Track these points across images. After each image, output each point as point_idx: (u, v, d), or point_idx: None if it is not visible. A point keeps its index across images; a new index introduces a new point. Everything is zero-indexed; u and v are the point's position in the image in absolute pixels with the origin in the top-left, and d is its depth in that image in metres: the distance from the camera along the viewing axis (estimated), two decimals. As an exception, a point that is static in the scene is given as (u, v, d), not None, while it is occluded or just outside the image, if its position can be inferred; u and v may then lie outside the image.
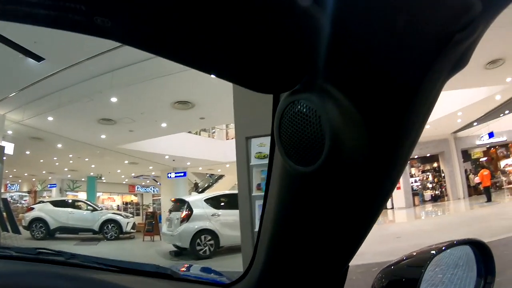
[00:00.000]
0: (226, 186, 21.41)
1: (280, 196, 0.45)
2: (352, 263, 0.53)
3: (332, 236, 0.45)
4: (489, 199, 15.73)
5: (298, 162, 0.34)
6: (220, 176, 24.35)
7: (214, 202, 9.84)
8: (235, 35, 0.29)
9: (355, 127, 0.31)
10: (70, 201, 15.81)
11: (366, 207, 0.41)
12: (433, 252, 0.83)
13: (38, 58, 6.91)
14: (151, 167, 20.53)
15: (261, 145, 3.83)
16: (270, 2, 0.27)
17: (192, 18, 0.28)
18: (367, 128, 0.32)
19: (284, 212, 0.46)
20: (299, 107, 0.33)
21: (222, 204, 9.96)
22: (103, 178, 23.23)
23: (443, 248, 0.87)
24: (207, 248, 9.20)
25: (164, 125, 12.01)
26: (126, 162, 18.40)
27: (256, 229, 3.94)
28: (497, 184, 20.32)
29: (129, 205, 28.21)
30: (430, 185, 21.22)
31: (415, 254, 0.86)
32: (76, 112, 9.86)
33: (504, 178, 19.89)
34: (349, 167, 0.33)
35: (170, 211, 10.50)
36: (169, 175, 19.47)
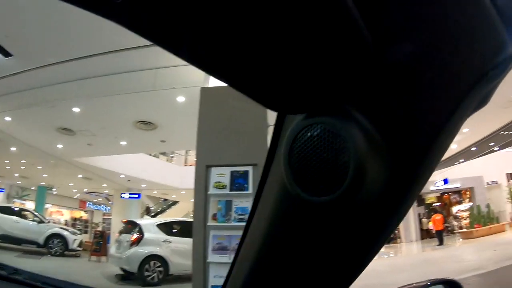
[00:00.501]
0: (180, 213, 21.07)
1: (274, 225, 0.41)
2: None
3: (329, 270, 0.42)
4: (441, 243, 16.40)
5: (310, 191, 0.31)
6: (174, 202, 24.00)
7: (166, 228, 9.62)
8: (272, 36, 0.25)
9: (379, 158, 0.30)
10: (16, 209, 14.71)
11: (373, 240, 0.38)
12: None
13: (6, 54, 6.59)
14: (105, 185, 19.81)
15: (221, 174, 3.79)
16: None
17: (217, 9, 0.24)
18: (390, 160, 0.31)
19: (276, 241, 0.43)
20: (319, 131, 0.30)
21: (175, 231, 9.76)
22: (54, 189, 22.03)
23: None
24: (155, 274, 8.87)
25: (124, 143, 11.71)
26: (80, 176, 17.68)
27: (209, 259, 3.87)
28: (449, 229, 21.26)
29: (77, 221, 26.79)
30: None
31: None
32: (36, 117, 9.37)
33: (456, 223, 20.86)
34: (366, 200, 0.31)
35: (121, 232, 10.12)
36: (122, 195, 18.94)
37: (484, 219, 17.75)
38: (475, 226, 17.62)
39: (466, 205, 21.36)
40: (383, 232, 0.37)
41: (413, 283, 0.88)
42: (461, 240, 17.48)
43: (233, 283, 0.57)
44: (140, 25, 0.28)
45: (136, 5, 0.26)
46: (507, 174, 20.31)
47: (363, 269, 0.42)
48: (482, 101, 0.32)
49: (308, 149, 0.31)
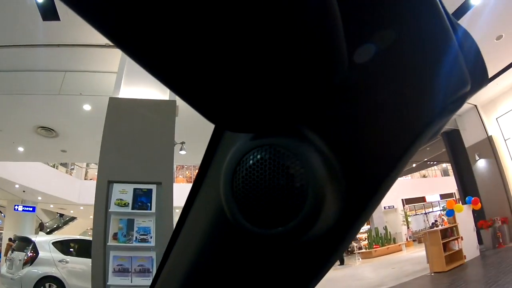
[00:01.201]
0: (78, 231, 20.16)
1: (204, 253, 0.35)
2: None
3: None
4: (341, 263, 17.48)
5: (257, 223, 0.27)
6: (72, 218, 22.51)
7: (63, 246, 8.93)
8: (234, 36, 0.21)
9: (337, 186, 0.27)
10: None
11: (312, 278, 0.33)
12: None
13: None
14: (-4, 194, 17.77)
15: (123, 191, 3.60)
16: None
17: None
18: (346, 189, 0.27)
19: (207, 271, 0.36)
20: (271, 153, 0.26)
21: (72, 250, 9.12)
22: None
23: None
24: (51, 298, 8.10)
25: (21, 149, 10.62)
26: (-31, 182, 15.59)
27: (109, 282, 3.61)
28: (349, 249, 22.76)
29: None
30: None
31: None
32: None
33: (355, 244, 22.42)
34: (319, 231, 0.27)
35: (13, 249, 9.09)
36: (16, 207, 17.24)
37: (382, 240, 19.43)
38: (374, 246, 19.18)
39: (364, 227, 23.22)
40: (325, 267, 0.33)
41: None
42: (361, 259, 18.81)
43: None
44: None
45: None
46: (402, 199, 22.71)
47: None
48: (436, 133, 0.32)
49: (256, 174, 0.27)
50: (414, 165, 15.35)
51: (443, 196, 22.41)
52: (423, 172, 24.41)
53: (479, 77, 0.34)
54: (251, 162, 0.27)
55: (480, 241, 10.31)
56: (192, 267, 0.38)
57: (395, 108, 0.27)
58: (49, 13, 5.42)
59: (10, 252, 9.31)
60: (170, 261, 0.45)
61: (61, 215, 22.20)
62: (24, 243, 8.86)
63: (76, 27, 5.76)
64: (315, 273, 0.34)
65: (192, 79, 0.24)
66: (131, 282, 3.63)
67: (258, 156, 0.27)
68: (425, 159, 14.06)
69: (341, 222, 0.29)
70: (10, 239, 14.78)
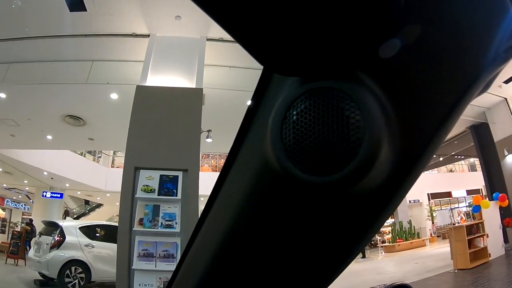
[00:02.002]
0: (104, 217, 20.46)
1: (246, 212, 0.34)
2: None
3: (308, 266, 0.35)
4: (363, 256, 17.34)
5: (308, 170, 0.25)
6: (98, 205, 23.06)
7: (89, 231, 9.13)
8: None
9: (392, 137, 0.25)
10: None
11: (360, 235, 0.32)
12: None
13: None
14: (26, 181, 18.41)
15: (149, 178, 3.66)
16: None
17: None
18: (400, 141, 0.26)
19: (247, 233, 0.35)
20: (325, 96, 0.25)
21: (98, 235, 9.30)
22: (-31, 182, 20.05)
23: None
24: (76, 281, 8.33)
25: (49, 137, 10.94)
26: (0, 169, 16.24)
27: (133, 266, 3.70)
28: (372, 243, 22.55)
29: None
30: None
31: None
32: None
33: (379, 237, 22.19)
34: (371, 183, 0.26)
35: (40, 234, 9.41)
36: (44, 193, 17.90)
37: (406, 235, 19.13)
38: (398, 240, 18.92)
39: (389, 221, 22.91)
40: (374, 226, 0.32)
41: None
42: (384, 253, 18.61)
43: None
44: None
45: None
46: (428, 194, 22.23)
47: (345, 266, 0.36)
48: (487, 86, 0.30)
49: (309, 118, 0.26)
50: (441, 158, 14.96)
51: (469, 192, 21.81)
52: (450, 166, 23.75)
53: None
54: (303, 106, 0.26)
55: (506, 239, 10.01)
56: (232, 227, 0.36)
57: (449, 55, 0.26)
58: (75, 4, 5.52)
59: (38, 236, 9.66)
60: (204, 231, 0.43)
61: (87, 202, 22.85)
62: (51, 227, 9.15)
63: (102, 17, 5.85)
64: (365, 231, 0.32)
65: (245, 14, 0.22)
66: (155, 266, 3.71)
67: (312, 100, 0.25)
68: (452, 153, 13.67)
69: (393, 176, 0.27)
70: (27, 223, 15.43)
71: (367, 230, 0.32)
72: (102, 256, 8.60)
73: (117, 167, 18.58)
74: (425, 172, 19.07)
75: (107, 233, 9.13)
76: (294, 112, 0.26)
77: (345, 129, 0.24)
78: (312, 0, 0.21)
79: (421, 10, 0.24)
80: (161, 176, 3.68)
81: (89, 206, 22.95)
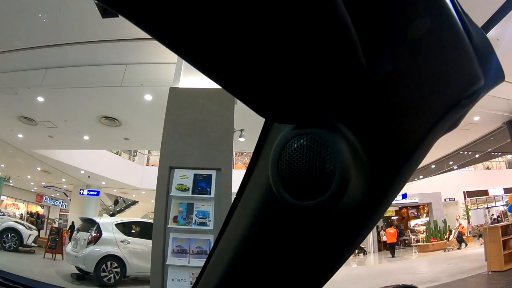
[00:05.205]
0: (139, 214, 20.98)
1: (255, 226, 0.43)
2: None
3: (304, 271, 0.44)
4: (392, 255, 17.03)
5: (296, 196, 0.33)
6: (134, 202, 23.58)
7: (125, 228, 9.38)
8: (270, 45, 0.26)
9: (361, 169, 0.32)
10: (-32, 199, 13.90)
11: (347, 244, 0.41)
12: None
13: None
14: (64, 180, 19.15)
15: (184, 177, 3.75)
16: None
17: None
18: (370, 172, 0.33)
19: (256, 243, 0.44)
20: (308, 141, 0.32)
21: (133, 231, 9.55)
22: (10, 181, 21.01)
23: None
24: (112, 275, 8.60)
25: (86, 138, 11.35)
26: (39, 169, 16.93)
27: (167, 262, 3.81)
28: (406, 242, 21.98)
29: (34, 216, 25.63)
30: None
31: None
32: (-3, 102, 8.90)
33: (413, 237, 21.59)
34: (347, 206, 0.33)
35: (78, 230, 9.79)
36: (81, 191, 18.42)
37: (441, 234, 18.52)
38: (432, 240, 18.37)
39: (423, 219, 22.22)
40: (356, 237, 0.40)
41: None
42: (417, 253, 18.13)
43: (205, 285, 0.57)
44: (145, 21, 0.27)
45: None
46: (464, 192, 21.38)
47: (334, 272, 0.45)
48: (454, 125, 0.36)
49: (296, 157, 0.32)
50: (476, 155, 14.38)
51: (507, 190, 20.76)
52: (486, 163, 22.71)
53: (494, 73, 0.36)
54: (293, 147, 0.33)
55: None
56: (245, 237, 0.45)
57: (411, 102, 0.32)
58: (107, 11, 5.69)
59: (75, 232, 10.02)
60: (225, 236, 0.52)
61: (116, 202, 23.25)
62: (88, 224, 9.45)
63: (134, 22, 6.01)
64: (347, 244, 0.41)
65: (247, 84, 0.30)
66: (189, 262, 3.80)
67: (298, 143, 0.32)
68: (488, 150, 13.10)
69: (366, 200, 0.35)
70: (69, 227, 16.11)
71: (350, 242, 0.40)
72: (137, 252, 8.82)
73: (152, 165, 18.91)
74: (461, 169, 18.35)
75: (142, 230, 9.38)
76: (287, 152, 0.33)
77: (322, 166, 0.31)
78: (297, 80, 0.29)
79: (382, 68, 0.30)
80: (195, 175, 3.76)
81: (118, 207, 23.42)
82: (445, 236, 18.39)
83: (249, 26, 0.25)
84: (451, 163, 15.84)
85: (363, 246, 20.33)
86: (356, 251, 19.78)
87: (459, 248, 16.80)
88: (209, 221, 3.73)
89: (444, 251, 16.73)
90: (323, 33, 0.26)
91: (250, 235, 0.44)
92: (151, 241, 3.98)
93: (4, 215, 14.03)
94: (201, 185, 3.71)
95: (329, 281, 0.45)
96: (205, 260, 0.57)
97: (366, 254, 19.51)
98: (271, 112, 0.33)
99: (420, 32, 0.30)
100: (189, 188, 3.71)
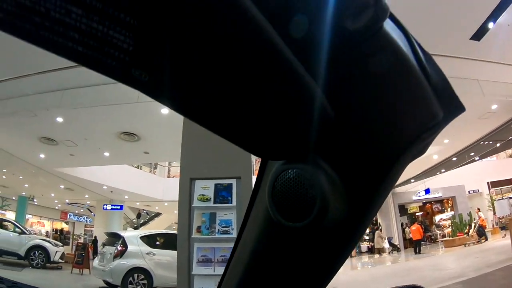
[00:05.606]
0: (162, 225, 21.05)
1: (259, 245, 0.51)
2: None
3: (301, 282, 0.51)
4: (418, 252, 16.77)
5: (287, 219, 0.39)
6: (157, 214, 23.84)
7: (149, 240, 9.54)
8: (255, 108, 0.33)
9: (339, 195, 0.39)
10: (-3, 219, 14.18)
11: (335, 258, 0.48)
12: None
13: (-12, 62, 6.48)
14: (87, 196, 19.54)
15: (205, 187, 3.79)
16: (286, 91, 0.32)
17: (223, 89, 0.31)
18: (347, 196, 0.40)
19: (260, 258, 0.52)
20: (294, 174, 0.39)
21: (158, 243, 9.70)
22: (35, 200, 21.59)
23: None
24: (139, 287, 8.76)
25: (107, 154, 11.63)
26: (62, 186, 17.37)
27: (193, 271, 3.86)
28: (432, 237, 21.50)
29: (59, 233, 26.16)
30: (366, 237, 21.94)
31: None
32: (18, 126, 9.25)
33: (438, 232, 21.11)
34: (330, 225, 0.40)
35: (104, 244, 10.00)
36: (105, 206, 18.80)
37: (466, 227, 18.05)
38: (458, 234, 17.93)
39: (448, 214, 21.72)
40: (343, 251, 0.48)
41: None
42: (443, 248, 17.74)
43: None
44: (167, 100, 0.32)
45: (162, 84, 0.30)
46: (488, 182, 20.81)
47: (329, 280, 0.52)
48: (420, 152, 0.42)
49: (286, 187, 0.39)
50: (498, 144, 14.00)
51: (533, 178, 20.08)
52: (509, 151, 21.99)
53: (452, 106, 0.41)
54: (283, 179, 0.39)
55: None
56: (250, 257, 0.53)
57: (374, 140, 0.38)
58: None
59: (101, 247, 10.23)
60: (237, 252, 0.61)
61: (138, 216, 23.55)
62: (114, 238, 9.63)
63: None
64: (336, 258, 0.48)
65: (247, 136, 0.37)
66: (214, 271, 3.83)
67: (287, 176, 0.39)
68: (510, 138, 12.74)
69: (348, 218, 0.41)
70: (92, 241, 16.44)
71: (339, 254, 0.48)
72: (162, 263, 8.94)
73: (173, 177, 19.15)
74: (483, 159, 17.86)
75: (166, 241, 9.52)
76: (279, 183, 0.40)
77: (305, 193, 0.38)
78: (283, 130, 0.36)
79: (349, 114, 0.36)
80: (215, 185, 3.79)
81: (141, 220, 23.67)
82: (465, 230, 17.92)
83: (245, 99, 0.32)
84: (472, 154, 15.45)
85: (396, 244, 20.08)
86: (391, 248, 19.62)
87: (479, 242, 16.34)
88: (232, 229, 3.75)
89: (465, 246, 16.35)
90: (297, 99, 0.33)
91: (255, 251, 0.52)
92: (175, 251, 4.03)
93: (30, 233, 14.31)
94: (222, 194, 3.73)
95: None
96: None
97: (399, 251, 19.43)
98: (266, 153, 0.40)
99: (379, 80, 0.35)
100: (210, 198, 3.74)
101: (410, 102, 0.37)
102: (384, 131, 0.37)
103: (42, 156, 12.03)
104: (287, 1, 0.30)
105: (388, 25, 0.33)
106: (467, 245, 16.45)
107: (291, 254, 0.49)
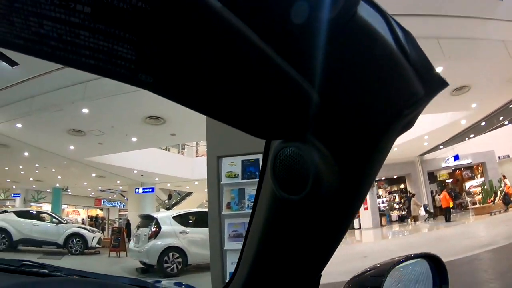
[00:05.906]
0: (194, 204, 21.38)
1: (268, 218, 0.55)
2: (321, 282, 0.64)
3: (308, 251, 0.56)
4: (448, 220, 16.50)
5: (288, 192, 0.43)
6: (188, 194, 24.20)
7: (182, 219, 9.75)
8: (251, 94, 0.37)
9: (331, 169, 0.42)
10: (34, 212, 14.97)
11: (336, 227, 0.52)
12: (393, 263, 0.95)
13: (12, 63, 6.76)
14: (118, 181, 20.12)
15: (232, 164, 3.86)
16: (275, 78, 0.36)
17: (222, 80, 0.35)
18: (340, 170, 0.42)
19: (270, 230, 0.56)
20: (290, 152, 0.42)
21: (190, 222, 9.90)
22: (69, 190, 22.47)
23: (402, 260, 1.00)
24: (174, 265, 9.06)
25: (134, 139, 11.88)
26: (94, 175, 17.94)
27: (225, 247, 3.98)
28: (463, 205, 21.08)
29: (94, 220, 27.26)
30: (397, 206, 21.77)
31: (378, 265, 0.98)
32: (46, 121, 9.61)
33: (469, 199, 20.66)
34: (325, 197, 0.43)
35: (138, 227, 10.33)
36: (136, 190, 19.21)
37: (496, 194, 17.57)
38: (488, 201, 17.50)
39: (478, 180, 21.18)
40: (342, 221, 0.52)
41: (397, 257, 1.00)
42: (474, 216, 17.41)
43: (241, 270, 0.71)
44: (171, 95, 0.37)
45: (164, 84, 0.35)
46: (520, 147, 20.06)
47: (333, 251, 0.57)
48: (407, 126, 0.45)
49: (285, 163, 0.42)
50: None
51: None
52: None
53: (433, 82, 0.42)
54: (281, 157, 0.42)
55: None
56: (262, 227, 0.57)
57: (358, 120, 0.40)
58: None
59: (135, 229, 10.58)
60: (251, 229, 0.65)
61: (169, 197, 24.06)
62: (147, 220, 9.91)
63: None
64: (337, 227, 0.52)
65: (250, 120, 0.40)
66: (246, 246, 3.95)
67: (285, 153, 0.42)
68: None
69: (342, 189, 0.44)
70: (125, 225, 17.15)
71: (339, 223, 0.52)
72: (195, 241, 9.19)
73: (202, 156, 19.34)
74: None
75: (198, 219, 9.76)
76: (278, 160, 0.43)
77: (300, 169, 0.41)
78: (279, 114, 0.39)
79: (331, 94, 0.39)
80: (242, 161, 3.85)
81: (173, 200, 24.20)
82: (490, 199, 17.41)
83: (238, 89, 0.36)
84: (501, 118, 14.91)
85: (431, 211, 19.82)
86: (427, 216, 19.41)
87: (506, 211, 15.86)
88: (261, 203, 3.85)
89: (491, 215, 15.93)
90: (284, 87, 0.36)
91: (266, 226, 0.56)
92: (207, 229, 4.13)
93: (67, 222, 15.04)
94: (249, 170, 3.78)
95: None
96: None
97: (435, 218, 19.25)
98: (266, 134, 0.44)
99: (358, 64, 0.37)
100: (238, 175, 3.79)
101: (389, 82, 0.39)
102: (366, 111, 0.40)
103: (71, 147, 12.45)
104: None
105: (364, 10, 0.34)
106: (493, 213, 16.07)
107: (295, 225, 0.52)
